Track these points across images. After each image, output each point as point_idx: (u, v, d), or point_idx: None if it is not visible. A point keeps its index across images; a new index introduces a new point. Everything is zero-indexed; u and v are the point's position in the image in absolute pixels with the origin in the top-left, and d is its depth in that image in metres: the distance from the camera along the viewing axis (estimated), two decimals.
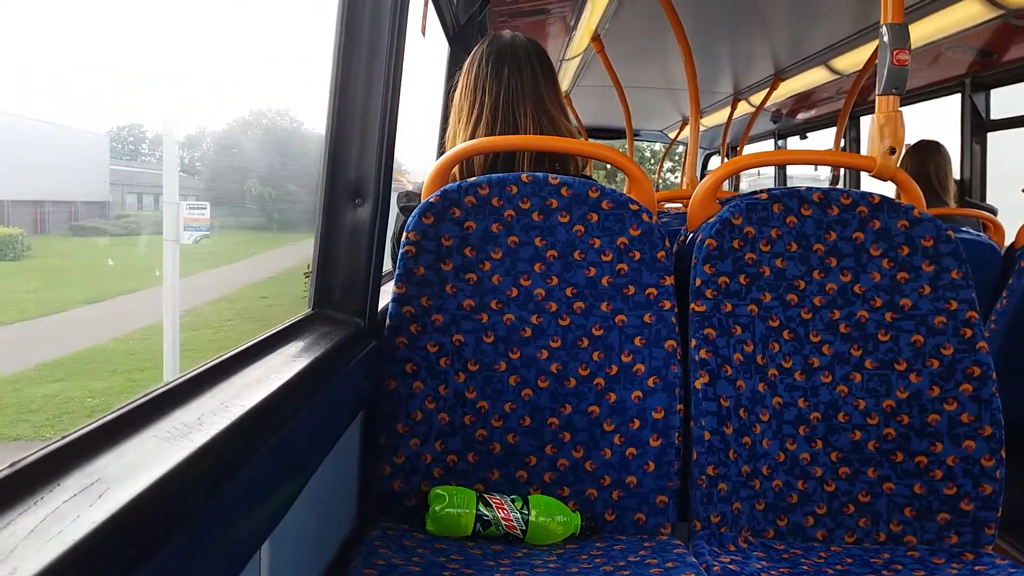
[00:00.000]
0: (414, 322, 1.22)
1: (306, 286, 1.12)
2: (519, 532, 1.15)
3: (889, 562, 1.16)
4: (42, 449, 0.52)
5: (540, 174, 1.27)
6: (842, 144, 4.22)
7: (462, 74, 1.45)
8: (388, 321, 1.22)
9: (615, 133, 5.83)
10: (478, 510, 1.15)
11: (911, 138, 2.94)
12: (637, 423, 1.22)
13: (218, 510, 0.60)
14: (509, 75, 1.39)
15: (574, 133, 1.47)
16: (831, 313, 1.26)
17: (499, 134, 1.37)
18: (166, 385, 0.68)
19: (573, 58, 3.97)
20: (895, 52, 1.34)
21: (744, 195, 1.32)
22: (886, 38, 1.34)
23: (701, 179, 1.42)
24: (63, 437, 0.55)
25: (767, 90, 4.30)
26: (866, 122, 4.25)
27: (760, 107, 4.59)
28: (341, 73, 1.07)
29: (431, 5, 1.95)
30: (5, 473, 0.49)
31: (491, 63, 1.41)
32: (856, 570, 1.13)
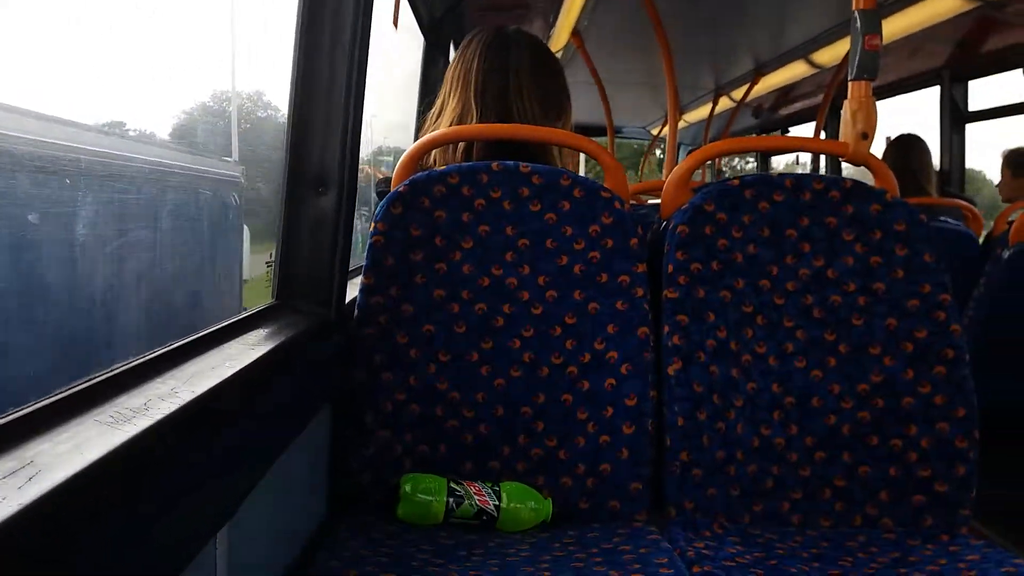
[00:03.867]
0: (383, 313, 1.21)
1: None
2: (492, 508, 1.14)
3: (865, 544, 1.16)
4: None
5: (511, 162, 1.26)
6: (823, 136, 4.23)
7: (451, 65, 1.42)
8: (356, 312, 1.21)
9: (597, 130, 5.83)
10: (450, 488, 1.14)
11: (893, 131, 2.95)
12: (611, 410, 1.21)
13: (164, 496, 0.58)
14: (500, 60, 1.36)
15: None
16: (804, 298, 1.26)
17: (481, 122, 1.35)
18: (111, 371, 0.66)
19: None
20: (867, 37, 1.34)
21: (716, 182, 1.31)
22: (858, 24, 1.34)
23: None
24: None
25: (748, 85, 4.30)
26: None
27: (741, 102, 4.60)
28: (303, 58, 1.06)
29: None
30: None
31: (483, 46, 1.38)
32: (831, 553, 1.13)
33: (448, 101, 1.38)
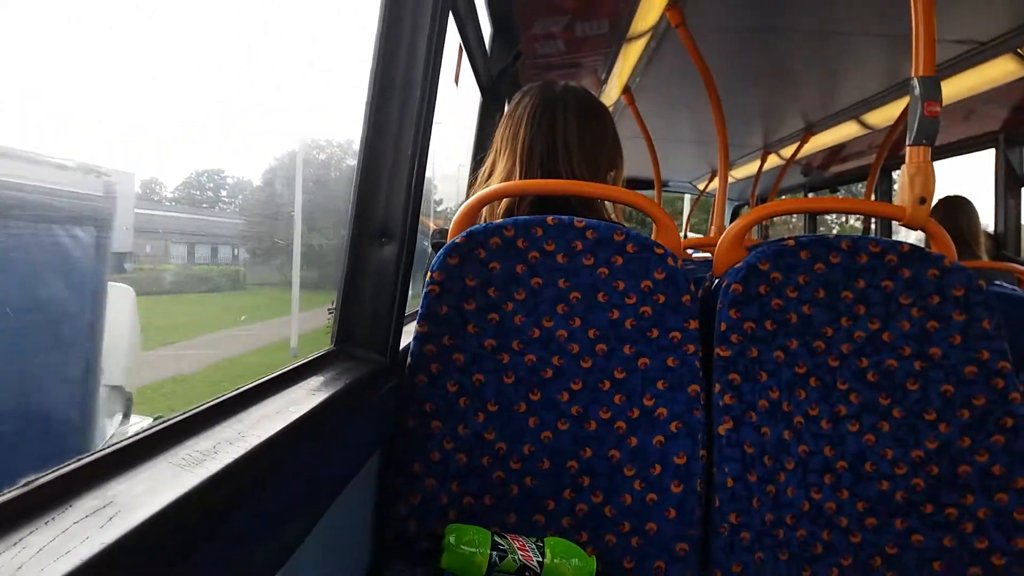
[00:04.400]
0: (435, 361, 1.22)
1: None
2: (535, 564, 1.13)
3: None
4: (56, 470, 0.53)
5: (566, 217, 1.28)
6: (873, 197, 4.19)
7: (501, 124, 1.47)
8: (409, 359, 1.22)
9: (644, 184, 5.86)
10: (494, 541, 1.13)
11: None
12: (658, 468, 1.20)
13: (229, 540, 0.60)
14: (546, 121, 1.40)
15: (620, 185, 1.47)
16: (859, 361, 1.24)
17: (530, 177, 1.38)
18: (183, 413, 0.68)
19: None
20: (926, 104, 1.34)
21: (771, 241, 1.31)
22: (917, 91, 1.35)
23: None
24: (77, 460, 0.55)
25: (798, 143, 4.30)
26: (897, 176, 4.22)
27: (791, 160, 4.59)
28: (374, 114, 1.10)
29: (465, 57, 1.99)
30: (18, 492, 0.49)
31: (530, 108, 1.42)
32: None
33: (498, 161, 1.42)
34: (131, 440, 0.60)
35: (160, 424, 0.65)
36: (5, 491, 0.49)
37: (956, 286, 1.24)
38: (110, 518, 0.49)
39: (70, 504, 0.50)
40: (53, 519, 0.48)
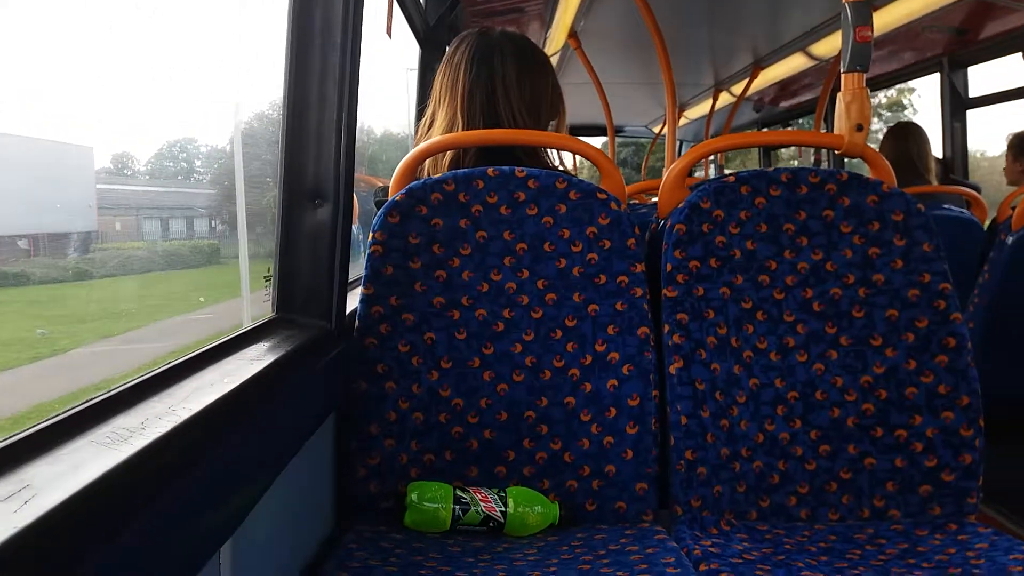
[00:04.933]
0: (383, 322, 1.21)
1: None
2: (499, 514, 1.14)
3: (873, 537, 1.15)
4: None
5: (506, 167, 1.26)
6: (823, 129, 4.21)
7: (438, 74, 1.43)
8: (357, 323, 1.21)
9: (597, 130, 5.82)
10: (456, 495, 1.14)
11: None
12: (613, 411, 1.21)
13: (162, 514, 0.59)
14: (484, 69, 1.36)
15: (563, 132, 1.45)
16: (804, 292, 1.25)
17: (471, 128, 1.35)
18: (107, 392, 0.67)
19: (551, 56, 3.96)
20: (858, 29, 1.33)
21: (712, 179, 1.31)
22: (849, 17, 1.34)
23: None
24: None
25: (747, 79, 4.29)
26: None
27: (741, 97, 4.59)
28: (294, 70, 1.06)
29: (396, 6, 1.94)
30: None
31: (468, 55, 1.38)
32: (840, 546, 1.12)
33: (438, 111, 1.39)
34: (50, 421, 0.59)
35: (82, 404, 0.63)
36: None
37: (895, 211, 1.25)
38: (25, 501, 0.48)
39: None
40: None
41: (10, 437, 0.55)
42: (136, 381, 0.71)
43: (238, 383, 0.76)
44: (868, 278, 1.25)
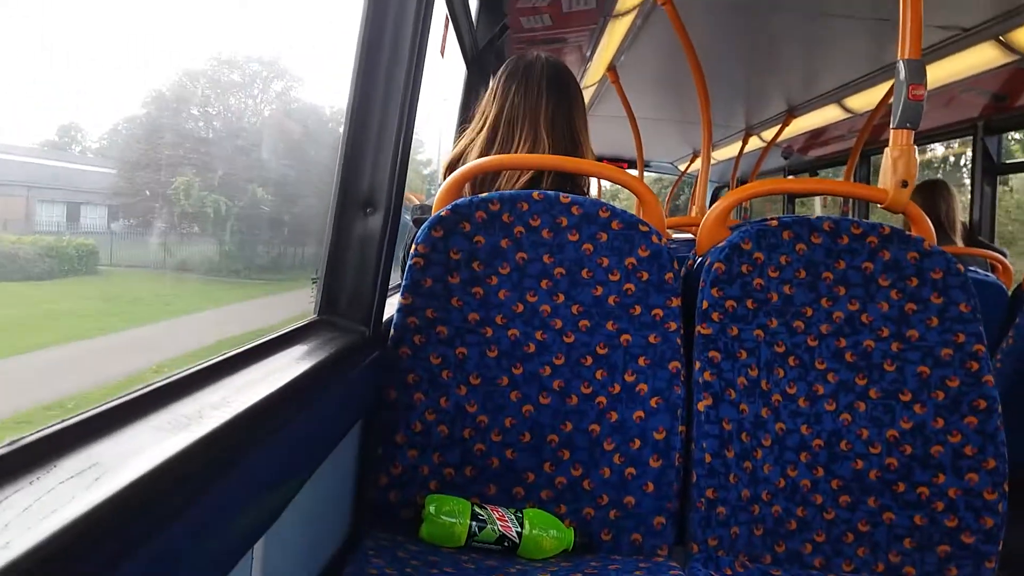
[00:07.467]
0: (418, 333, 1.22)
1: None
2: (514, 535, 1.14)
3: None
4: (40, 431, 0.52)
5: (551, 192, 1.27)
6: (852, 181, 4.22)
7: (500, 93, 1.46)
8: (392, 331, 1.22)
9: (626, 163, 5.85)
10: (473, 511, 1.14)
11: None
12: (638, 443, 1.21)
13: (214, 503, 0.59)
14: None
15: (594, 157, 1.49)
16: (837, 341, 1.25)
17: (514, 151, 1.38)
18: (167, 378, 0.68)
19: (588, 88, 4.00)
20: (911, 87, 1.34)
21: (754, 221, 1.32)
22: (902, 74, 1.35)
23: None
24: (62, 421, 0.54)
25: (779, 126, 4.32)
26: (877, 161, 4.26)
27: (771, 142, 4.61)
28: (360, 85, 1.09)
29: (451, 29, 1.97)
30: (2, 451, 0.49)
31: (505, 82, 1.43)
32: None
33: (481, 133, 1.42)
34: (115, 403, 0.60)
35: (144, 388, 0.64)
36: None
37: (935, 269, 1.26)
38: (96, 479, 0.49)
39: (55, 464, 0.50)
40: (38, 479, 0.48)
41: (79, 415, 0.56)
42: (191, 370, 0.72)
43: (286, 380, 0.78)
44: (902, 333, 1.25)
